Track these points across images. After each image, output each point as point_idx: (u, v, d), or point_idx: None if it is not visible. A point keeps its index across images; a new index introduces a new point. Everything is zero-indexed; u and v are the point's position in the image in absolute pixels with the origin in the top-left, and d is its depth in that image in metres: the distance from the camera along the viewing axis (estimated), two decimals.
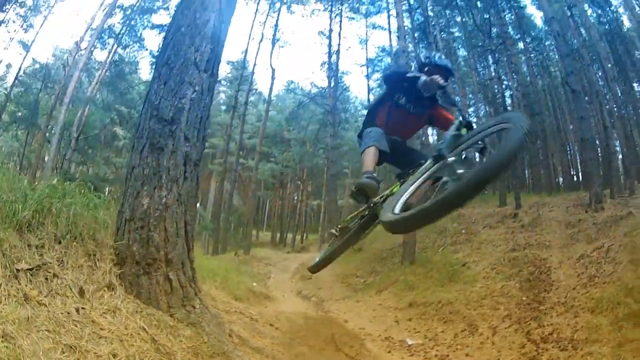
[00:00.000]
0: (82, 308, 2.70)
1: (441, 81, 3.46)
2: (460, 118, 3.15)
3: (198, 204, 27.02)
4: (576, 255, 9.59)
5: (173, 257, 3.66)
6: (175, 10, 5.08)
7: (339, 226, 4.32)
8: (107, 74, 24.49)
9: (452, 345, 7.54)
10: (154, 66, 5.23)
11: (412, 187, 2.85)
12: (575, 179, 24.32)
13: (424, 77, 3.54)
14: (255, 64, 28.74)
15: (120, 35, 24.61)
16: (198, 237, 23.76)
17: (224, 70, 34.60)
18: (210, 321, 3.79)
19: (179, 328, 3.36)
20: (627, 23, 21.32)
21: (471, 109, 27.58)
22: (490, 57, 23.75)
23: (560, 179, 25.06)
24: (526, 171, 24.83)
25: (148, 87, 4.56)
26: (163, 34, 22.61)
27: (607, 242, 9.48)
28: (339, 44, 28.35)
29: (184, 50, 4.23)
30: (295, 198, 42.03)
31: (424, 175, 2.87)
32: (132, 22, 25.10)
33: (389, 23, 28.38)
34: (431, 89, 3.56)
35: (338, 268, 13.50)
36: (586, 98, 17.78)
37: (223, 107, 38.05)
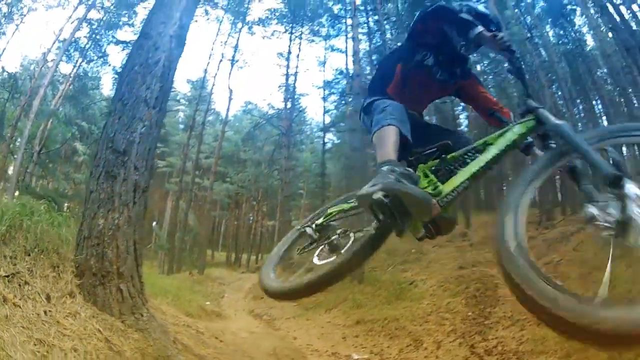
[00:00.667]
0: (49, 311, 3.37)
1: (509, 43, 2.44)
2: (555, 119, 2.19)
3: (155, 223, 27.31)
4: None
5: (124, 270, 4.35)
6: (131, 48, 5.84)
7: (315, 223, 2.93)
8: (70, 87, 24.86)
9: (397, 359, 7.91)
10: (111, 101, 5.95)
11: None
12: None
13: (480, 29, 2.61)
14: (214, 84, 29.48)
15: (85, 50, 25.07)
16: (154, 256, 24.12)
17: (183, 90, 35.33)
18: (157, 328, 4.50)
19: (129, 332, 4.03)
20: (590, 42, 22.53)
21: None
22: None
23: None
24: (481, 190, 25.86)
25: (108, 109, 5.31)
26: (127, 50, 23.45)
27: (556, 257, 10.07)
28: (297, 66, 29.24)
29: (137, 88, 4.97)
30: (251, 218, 42.53)
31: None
32: (98, 37, 25.58)
33: (346, 46, 29.42)
34: (483, 47, 2.72)
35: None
36: None
37: (181, 126, 38.62)
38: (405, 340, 8.46)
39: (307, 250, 2.87)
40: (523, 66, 2.54)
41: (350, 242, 2.53)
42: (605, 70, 21.24)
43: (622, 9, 17.17)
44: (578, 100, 22.21)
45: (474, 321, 8.55)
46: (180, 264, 24.82)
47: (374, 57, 25.36)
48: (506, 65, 2.53)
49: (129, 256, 4.47)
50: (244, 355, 6.38)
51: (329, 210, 2.97)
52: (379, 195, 2.15)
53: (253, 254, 37.72)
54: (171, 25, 5.52)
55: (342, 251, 2.49)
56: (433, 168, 2.47)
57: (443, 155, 2.50)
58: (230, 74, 28.21)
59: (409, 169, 2.34)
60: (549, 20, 22.45)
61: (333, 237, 2.70)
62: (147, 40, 5.34)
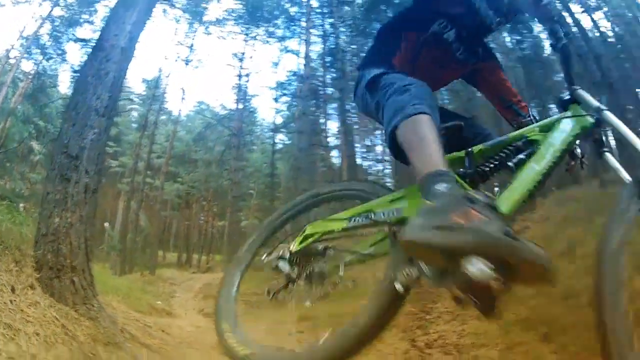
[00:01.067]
0: (14, 300, 3.87)
1: (555, 12, 1.95)
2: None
3: (107, 224, 27.29)
4: None
5: (76, 265, 4.85)
6: (86, 59, 6.37)
7: (290, 250, 2.28)
8: (30, 85, 24.81)
9: None
10: (66, 108, 6.50)
11: None
12: None
13: None
14: (167, 84, 29.85)
15: (45, 47, 25.06)
16: (106, 257, 24.23)
17: (137, 89, 35.39)
18: (106, 318, 4.99)
19: (81, 320, 4.52)
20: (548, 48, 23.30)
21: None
22: None
23: None
24: None
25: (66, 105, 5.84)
26: (85, 49, 23.63)
27: None
28: (250, 67, 29.77)
29: (89, 98, 5.49)
30: (202, 219, 42.66)
31: None
32: (58, 34, 25.61)
33: (299, 48, 29.62)
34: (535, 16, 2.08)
35: (240, 286, 14.61)
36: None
37: (134, 125, 38.53)
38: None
39: (283, 292, 2.33)
40: (569, 43, 1.95)
41: (366, 307, 1.90)
42: (561, 75, 21.93)
43: (582, 16, 18.16)
44: (532, 104, 23.26)
45: (416, 316, 8.78)
46: (132, 264, 25.02)
47: (327, 60, 25.85)
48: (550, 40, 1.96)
49: (80, 252, 4.95)
50: (189, 346, 6.89)
51: (310, 230, 2.23)
52: (471, 262, 1.29)
53: (204, 254, 38.09)
54: (122, 37, 6.05)
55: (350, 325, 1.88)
56: (461, 171, 1.87)
57: (469, 149, 1.94)
58: (183, 73, 28.62)
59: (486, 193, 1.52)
60: (507, 26, 23.45)
61: (318, 269, 2.25)
62: (101, 52, 5.85)
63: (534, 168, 1.72)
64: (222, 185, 36.18)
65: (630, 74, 20.27)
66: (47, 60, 26.71)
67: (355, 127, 30.07)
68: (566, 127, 1.83)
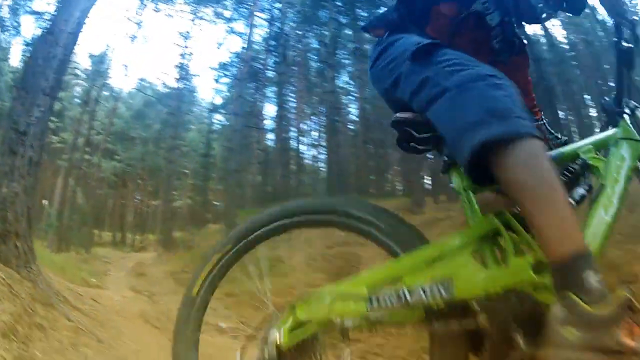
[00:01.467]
0: None
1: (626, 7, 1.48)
2: None
3: (45, 201, 26.90)
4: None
5: (20, 231, 5.39)
6: (37, 42, 6.98)
7: (286, 341, 1.68)
8: None
9: (260, 328, 9.10)
10: (14, 87, 7.10)
11: None
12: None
13: None
14: (112, 59, 29.76)
15: (4, 20, 24.79)
16: (44, 236, 24.14)
17: (83, 64, 34.92)
18: (43, 282, 5.57)
19: (23, 281, 5.06)
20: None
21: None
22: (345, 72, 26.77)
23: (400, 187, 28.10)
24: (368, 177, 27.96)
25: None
26: (40, 22, 23.39)
27: None
28: (195, 47, 30.00)
29: (37, 79, 6.04)
30: (137, 198, 42.64)
31: None
32: (17, 7, 25.44)
33: (245, 30, 30.03)
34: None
35: (169, 265, 15.20)
36: None
37: (77, 101, 38.01)
38: (268, 311, 9.45)
39: None
40: (633, 49, 1.66)
41: None
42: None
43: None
44: None
45: None
46: (68, 242, 24.96)
47: (271, 44, 26.42)
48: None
49: (23, 219, 5.49)
50: (117, 314, 7.45)
51: (304, 314, 1.67)
52: None
53: (138, 234, 38.12)
54: (71, 23, 6.61)
55: None
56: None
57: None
58: (129, 50, 28.60)
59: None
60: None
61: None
62: (51, 36, 6.40)
63: (604, 219, 1.40)
64: (158, 163, 35.99)
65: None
66: (4, 32, 26.48)
67: (293, 111, 30.76)
68: (625, 153, 1.53)
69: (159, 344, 7.05)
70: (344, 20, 26.33)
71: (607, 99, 1.73)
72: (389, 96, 1.77)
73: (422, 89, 1.51)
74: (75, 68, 33.57)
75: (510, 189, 1.30)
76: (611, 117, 1.67)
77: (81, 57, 38.14)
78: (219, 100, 34.70)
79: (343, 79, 30.20)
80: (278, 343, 1.66)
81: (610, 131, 1.62)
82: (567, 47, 24.43)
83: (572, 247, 1.18)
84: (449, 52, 1.54)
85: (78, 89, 38.51)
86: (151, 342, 6.74)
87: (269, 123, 31.64)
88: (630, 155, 1.52)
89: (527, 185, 1.26)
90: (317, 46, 28.93)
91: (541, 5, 1.76)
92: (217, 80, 32.56)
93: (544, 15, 1.83)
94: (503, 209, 1.44)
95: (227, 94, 32.77)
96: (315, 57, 28.98)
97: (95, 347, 5.75)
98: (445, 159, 1.65)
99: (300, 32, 27.91)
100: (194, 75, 33.30)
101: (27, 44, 25.71)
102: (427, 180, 21.10)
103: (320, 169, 31.77)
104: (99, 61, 31.16)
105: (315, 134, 32.05)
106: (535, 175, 1.26)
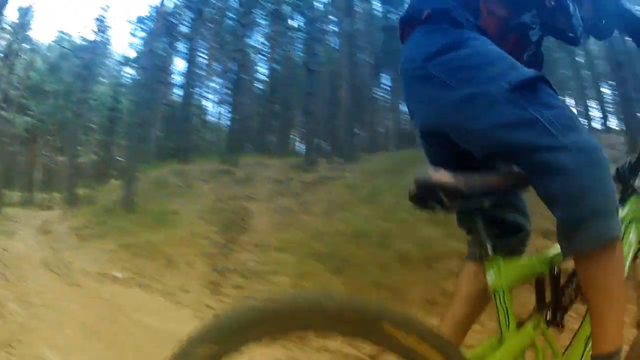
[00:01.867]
0: None
1: None
2: None
3: None
4: (277, 207, 12.13)
5: None
6: None
7: None
8: None
9: (153, 278, 8.85)
10: None
11: None
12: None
13: None
14: (34, 11, 29.00)
15: None
16: None
17: (10, 17, 33.97)
18: None
19: None
20: None
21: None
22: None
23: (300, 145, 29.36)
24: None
25: None
26: None
27: (309, 197, 12.30)
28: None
29: None
30: (46, 154, 40.79)
31: None
32: None
33: None
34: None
35: (72, 221, 16.00)
36: None
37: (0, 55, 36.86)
38: (162, 262, 9.73)
39: None
40: None
41: None
42: None
43: None
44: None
45: (223, 246, 10.07)
46: None
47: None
48: None
49: None
50: (26, 262, 8.53)
51: None
52: None
53: (46, 192, 36.72)
54: None
55: None
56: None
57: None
58: (53, 2, 28.14)
59: None
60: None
61: None
62: None
63: None
64: (67, 118, 34.57)
65: None
66: None
67: (204, 68, 31.05)
68: (633, 237, 1.46)
69: (57, 287, 7.87)
70: None
71: (619, 168, 1.55)
72: (438, 102, 1.43)
73: (523, 128, 1.27)
74: (2, 21, 32.64)
75: (590, 284, 1.29)
76: (624, 191, 1.54)
77: (9, 10, 36.97)
78: (132, 54, 34.17)
79: (258, 39, 30.30)
80: None
81: (620, 212, 1.40)
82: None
83: (618, 343, 1.26)
84: (551, 92, 1.34)
85: (2, 42, 37.53)
86: (51, 285, 7.70)
87: (179, 79, 31.55)
88: (637, 239, 1.45)
89: (609, 287, 1.26)
90: (236, 5, 28.22)
91: (580, 29, 1.59)
92: (133, 34, 32.42)
93: (577, 39, 1.62)
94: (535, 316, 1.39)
95: (142, 48, 31.62)
96: (234, 16, 27.85)
97: (4, 285, 6.83)
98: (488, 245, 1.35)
99: None
100: (109, 27, 32.69)
101: None
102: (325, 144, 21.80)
103: (224, 126, 31.56)
104: (24, 13, 30.30)
105: (224, 91, 31.75)
106: (618, 278, 1.27)
